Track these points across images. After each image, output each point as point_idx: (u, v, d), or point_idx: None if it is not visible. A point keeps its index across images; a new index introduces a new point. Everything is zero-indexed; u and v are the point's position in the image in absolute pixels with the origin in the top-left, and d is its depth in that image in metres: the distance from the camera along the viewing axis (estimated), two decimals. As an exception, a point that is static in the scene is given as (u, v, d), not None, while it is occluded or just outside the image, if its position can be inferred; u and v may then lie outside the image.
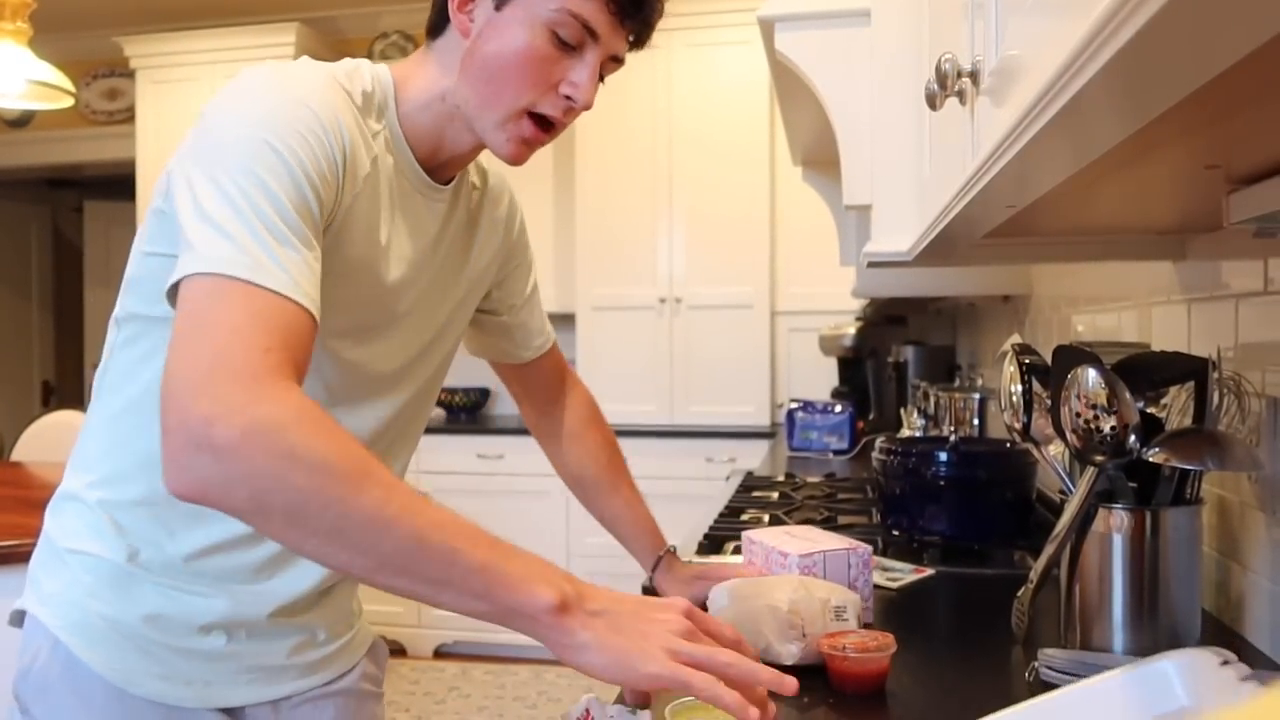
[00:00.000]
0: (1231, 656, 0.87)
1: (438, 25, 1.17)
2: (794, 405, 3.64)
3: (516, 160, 1.16)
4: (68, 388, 7.61)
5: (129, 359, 1.15)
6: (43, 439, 3.89)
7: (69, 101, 3.60)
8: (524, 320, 1.49)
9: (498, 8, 1.10)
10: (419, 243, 1.21)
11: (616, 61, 1.15)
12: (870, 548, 1.45)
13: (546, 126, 1.15)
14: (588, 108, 1.13)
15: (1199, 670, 0.86)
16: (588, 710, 1.03)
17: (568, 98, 1.12)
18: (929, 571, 1.75)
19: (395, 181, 1.16)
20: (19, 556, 2.19)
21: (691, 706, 1.08)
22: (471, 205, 1.32)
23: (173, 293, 0.93)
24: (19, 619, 1.21)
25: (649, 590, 1.54)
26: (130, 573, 1.15)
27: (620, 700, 0.99)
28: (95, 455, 1.19)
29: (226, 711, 1.21)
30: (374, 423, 1.23)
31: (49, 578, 1.19)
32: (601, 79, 1.15)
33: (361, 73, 1.14)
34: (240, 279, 0.90)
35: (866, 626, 1.32)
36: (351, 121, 1.08)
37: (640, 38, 1.16)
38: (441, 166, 1.21)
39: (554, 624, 0.86)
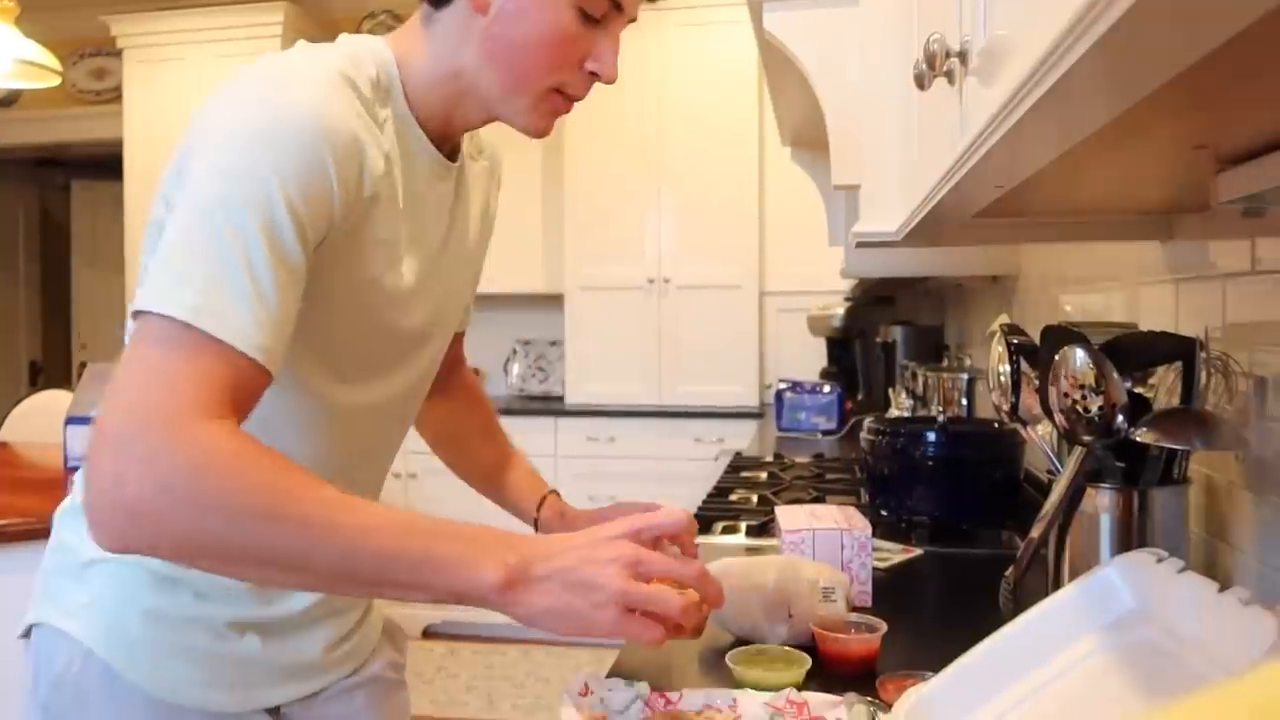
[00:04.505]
0: (1164, 554, 0.89)
1: None
2: (782, 385, 3.64)
3: (543, 134, 1.12)
4: (55, 368, 7.57)
5: None
6: (30, 419, 3.87)
7: (56, 80, 3.58)
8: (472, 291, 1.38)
9: None
10: (431, 243, 1.15)
11: (632, 21, 1.10)
12: (869, 529, 1.43)
13: (569, 98, 1.10)
14: (612, 83, 1.08)
15: (1139, 570, 0.90)
16: (586, 685, 1.04)
17: (593, 73, 1.07)
18: (917, 552, 1.76)
19: (407, 170, 1.09)
20: (7, 536, 2.20)
21: (753, 657, 1.09)
22: (470, 179, 1.24)
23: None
24: (29, 633, 1.16)
25: None
26: (167, 575, 1.11)
27: (615, 673, 1.00)
28: None
29: (268, 711, 1.20)
30: (388, 392, 1.17)
31: (74, 589, 1.13)
32: None
33: (364, 57, 1.05)
34: (185, 323, 0.85)
35: (863, 610, 1.32)
36: (359, 124, 1.00)
37: None
38: (446, 141, 1.15)
39: (503, 600, 0.87)
